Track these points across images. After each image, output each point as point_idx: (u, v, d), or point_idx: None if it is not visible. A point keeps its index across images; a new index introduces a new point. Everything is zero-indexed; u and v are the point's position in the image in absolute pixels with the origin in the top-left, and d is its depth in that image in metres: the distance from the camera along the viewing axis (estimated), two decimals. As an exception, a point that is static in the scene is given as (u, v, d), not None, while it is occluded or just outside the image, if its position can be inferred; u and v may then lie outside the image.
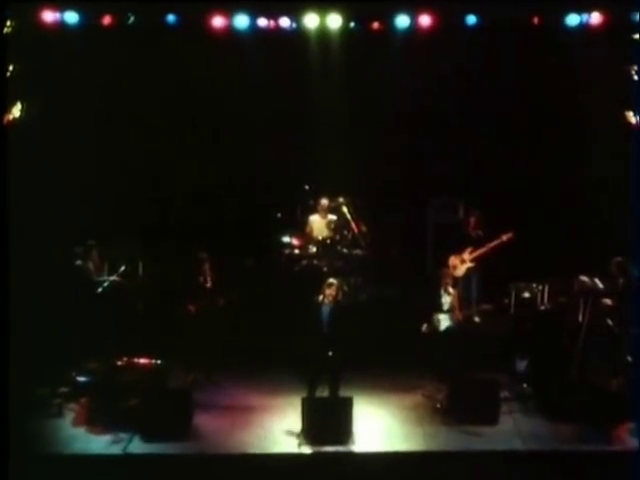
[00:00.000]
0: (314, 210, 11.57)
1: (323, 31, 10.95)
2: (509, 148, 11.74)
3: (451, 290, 10.00)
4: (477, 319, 10.62)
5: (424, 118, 11.84)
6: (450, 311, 9.93)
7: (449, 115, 11.77)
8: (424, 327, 9.88)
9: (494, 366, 9.78)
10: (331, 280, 9.28)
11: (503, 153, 11.75)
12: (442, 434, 8.79)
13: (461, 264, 10.80)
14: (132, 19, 10.68)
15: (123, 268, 10.21)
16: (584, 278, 9.72)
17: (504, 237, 10.66)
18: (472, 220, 11.05)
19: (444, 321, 9.94)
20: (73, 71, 10.90)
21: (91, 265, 10.29)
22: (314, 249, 11.35)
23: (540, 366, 9.68)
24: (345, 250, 11.36)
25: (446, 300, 10.03)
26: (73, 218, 10.78)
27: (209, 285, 10.08)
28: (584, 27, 10.65)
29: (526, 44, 11.03)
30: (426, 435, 8.77)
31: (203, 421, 8.99)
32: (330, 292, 9.15)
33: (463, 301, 10.23)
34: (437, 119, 11.83)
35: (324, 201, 11.47)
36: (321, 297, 9.17)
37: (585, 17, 10.61)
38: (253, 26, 10.89)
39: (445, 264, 10.61)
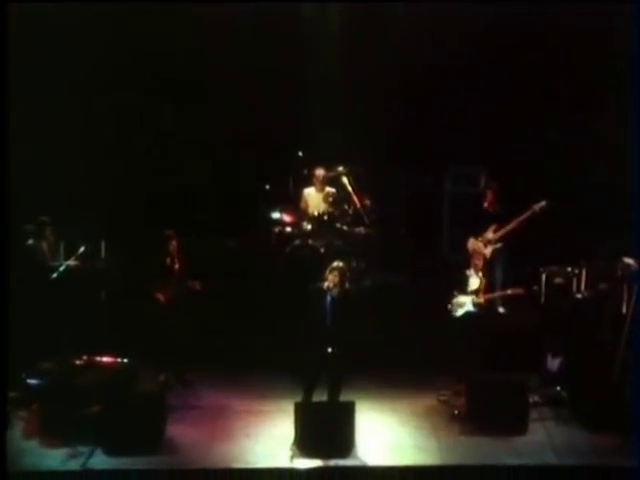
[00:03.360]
0: (309, 181, 11.49)
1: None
2: (541, 110, 11.66)
3: (480, 272, 9.87)
4: (502, 309, 10.59)
5: (439, 73, 11.77)
6: (473, 294, 9.80)
7: (470, 71, 11.75)
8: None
9: (522, 365, 9.68)
10: (336, 263, 9.04)
11: (535, 115, 11.65)
12: (460, 445, 8.73)
13: (485, 247, 10.63)
14: None
15: (82, 250, 10.10)
16: (628, 260, 9.65)
17: (536, 207, 10.51)
18: (489, 194, 10.93)
19: (464, 306, 9.79)
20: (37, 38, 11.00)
21: (45, 246, 10.16)
22: (309, 227, 11.29)
23: (576, 365, 9.59)
24: (345, 228, 11.33)
25: (473, 282, 9.86)
26: (23, 190, 10.49)
27: (177, 267, 9.95)
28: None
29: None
30: (442, 447, 8.71)
31: (178, 430, 8.90)
32: (333, 278, 8.92)
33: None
34: (455, 75, 11.78)
35: (320, 171, 11.39)
36: (325, 284, 8.93)
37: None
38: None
39: (464, 247, 10.49)
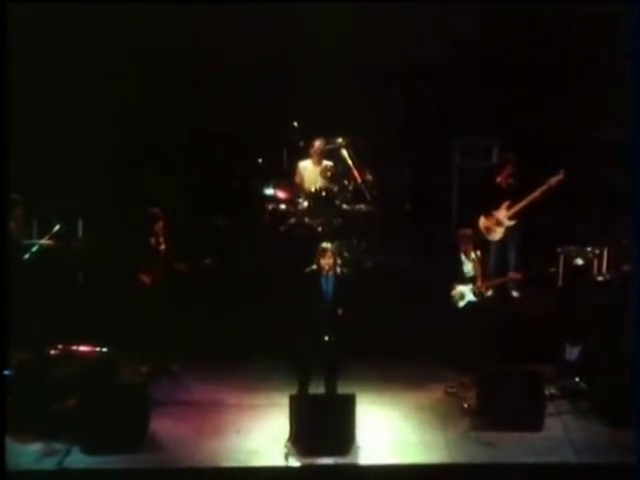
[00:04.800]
0: (305, 154, 11.45)
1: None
2: (561, 76, 11.67)
3: (472, 255, 9.86)
4: (515, 294, 10.58)
5: (447, 45, 11.80)
6: (472, 281, 9.78)
7: (481, 42, 11.82)
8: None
9: (538, 355, 9.69)
10: (325, 245, 9.08)
11: (553, 82, 11.66)
12: (470, 442, 8.69)
13: (497, 225, 10.68)
14: None
15: (58, 228, 10.07)
16: (653, 239, 9.72)
17: (552, 181, 10.53)
18: (504, 167, 10.89)
19: (464, 296, 9.81)
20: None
21: (14, 225, 10.06)
22: (305, 203, 11.29)
23: (596, 355, 9.58)
24: (345, 205, 11.33)
25: (468, 268, 9.87)
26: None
27: (163, 248, 9.90)
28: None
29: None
30: (450, 443, 8.66)
31: (163, 426, 8.85)
32: (325, 261, 8.96)
33: (489, 270, 10.16)
34: (466, 45, 11.81)
35: (318, 142, 11.36)
36: (314, 267, 9.00)
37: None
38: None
39: (473, 225, 10.49)
